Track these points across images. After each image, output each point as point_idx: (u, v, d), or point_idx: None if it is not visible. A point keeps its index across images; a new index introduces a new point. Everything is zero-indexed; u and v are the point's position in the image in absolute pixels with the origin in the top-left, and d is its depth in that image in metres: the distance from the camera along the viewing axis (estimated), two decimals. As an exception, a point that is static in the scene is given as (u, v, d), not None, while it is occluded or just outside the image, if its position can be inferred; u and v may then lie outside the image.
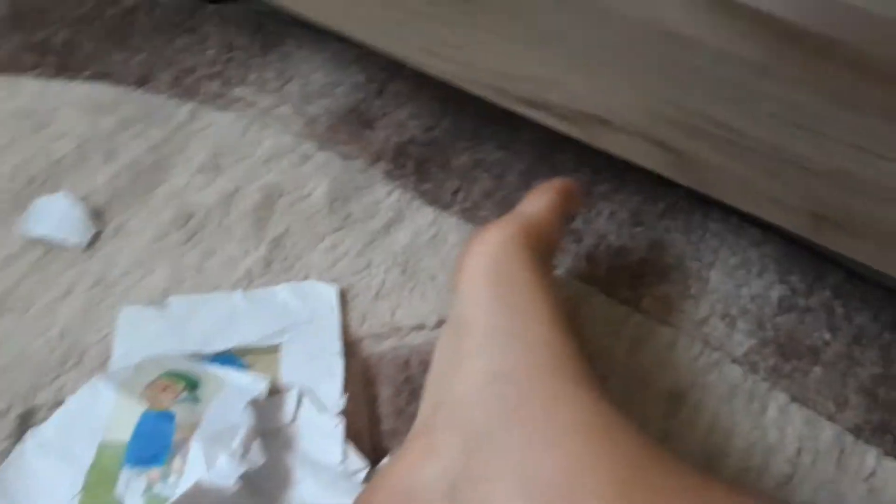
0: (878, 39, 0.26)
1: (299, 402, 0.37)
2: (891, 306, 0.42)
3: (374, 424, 0.37)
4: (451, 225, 0.45)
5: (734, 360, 0.40)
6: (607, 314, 0.41)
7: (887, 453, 0.37)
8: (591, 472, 0.25)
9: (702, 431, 0.38)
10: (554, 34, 0.34)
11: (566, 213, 0.38)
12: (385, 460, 0.36)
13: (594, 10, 0.32)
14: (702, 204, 0.46)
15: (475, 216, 0.45)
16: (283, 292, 0.41)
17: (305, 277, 0.42)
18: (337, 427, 0.36)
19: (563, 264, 0.43)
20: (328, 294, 0.41)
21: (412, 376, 0.39)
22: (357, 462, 0.35)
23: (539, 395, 0.28)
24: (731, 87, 0.31)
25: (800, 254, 0.44)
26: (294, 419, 0.36)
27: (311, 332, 0.40)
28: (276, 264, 0.43)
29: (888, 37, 0.26)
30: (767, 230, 0.44)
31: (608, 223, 0.45)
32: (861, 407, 0.38)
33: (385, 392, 0.38)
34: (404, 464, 0.29)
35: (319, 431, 0.36)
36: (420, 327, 0.41)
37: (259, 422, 0.35)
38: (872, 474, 0.36)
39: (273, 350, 0.39)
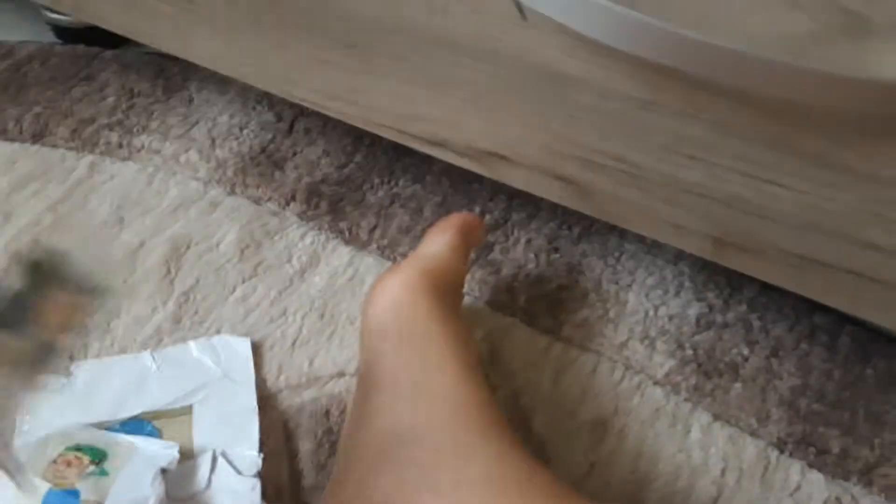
0: (755, 75, 0.26)
1: (213, 465, 0.35)
2: (806, 315, 0.42)
3: (294, 481, 0.36)
4: (368, 264, 0.44)
5: (656, 382, 0.40)
6: (529, 345, 0.41)
7: (811, 465, 0.37)
8: None
9: (628, 458, 0.37)
10: (444, 76, 0.34)
11: (468, 248, 0.38)
12: (306, 520, 0.35)
13: (482, 52, 0.32)
14: (616, 227, 0.45)
15: (394, 252, 0.45)
16: (194, 349, 0.40)
17: (217, 331, 0.41)
18: (254, 490, 0.34)
19: (483, 297, 0.43)
20: (241, 348, 0.40)
21: (333, 427, 0.38)
22: None
23: (448, 456, 0.27)
24: (620, 121, 0.31)
25: (715, 269, 0.44)
26: (208, 485, 0.35)
27: (225, 389, 0.38)
28: (187, 319, 0.41)
29: (765, 73, 0.26)
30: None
31: (525, 251, 0.44)
32: (783, 420, 0.38)
33: (305, 446, 0.37)
34: None
35: (235, 495, 0.34)
36: (340, 375, 0.40)
37: (171, 490, 0.33)
38: (798, 489, 0.36)
39: (185, 411, 0.38)
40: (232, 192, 0.47)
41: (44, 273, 0.24)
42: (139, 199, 0.46)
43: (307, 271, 0.44)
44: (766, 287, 0.44)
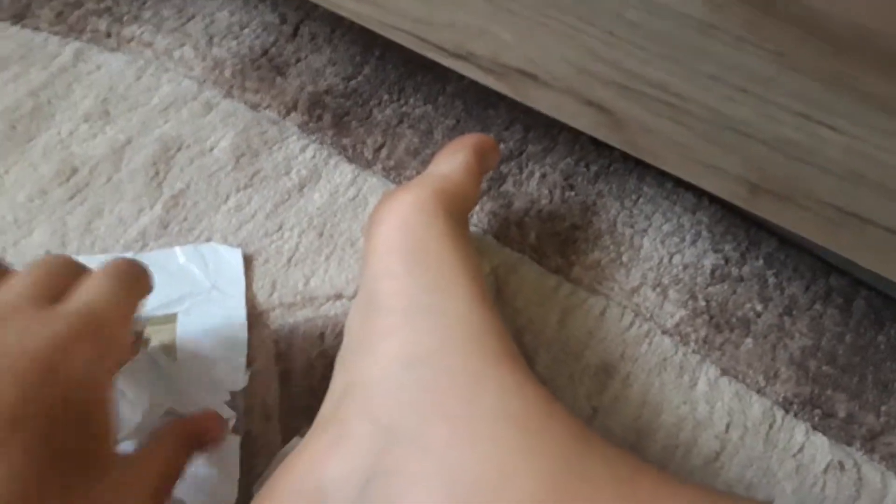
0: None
1: (157, 360, 0.33)
2: (822, 276, 0.41)
3: (284, 402, 0.34)
4: (372, 185, 0.41)
5: (665, 332, 0.38)
6: (537, 283, 0.39)
7: (815, 428, 0.36)
8: (521, 466, 0.23)
9: (632, 406, 0.36)
10: (481, -26, 0.31)
11: (483, 172, 0.35)
12: (293, 441, 0.33)
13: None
14: (636, 167, 0.43)
15: (400, 176, 0.42)
16: (181, 256, 0.37)
17: (207, 240, 0.38)
18: (199, 381, 0.33)
19: (492, 230, 0.41)
20: (233, 259, 0.37)
21: (327, 350, 0.36)
22: (224, 411, 0.32)
23: (458, 382, 0.25)
24: (669, 43, 0.28)
25: (734, 221, 0.42)
26: (157, 379, 0.33)
27: (213, 300, 0.36)
28: (174, 225, 0.39)
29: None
30: (702, 196, 0.43)
31: (539, 186, 0.42)
32: (791, 380, 0.37)
33: (297, 367, 0.35)
34: (310, 457, 0.26)
35: (179, 386, 0.32)
36: (337, 297, 0.38)
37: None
38: (801, 450, 0.35)
39: (170, 320, 0.35)
40: (228, 95, 0.43)
41: None
42: (127, 93, 0.43)
43: (306, 186, 0.41)
44: (784, 243, 0.42)
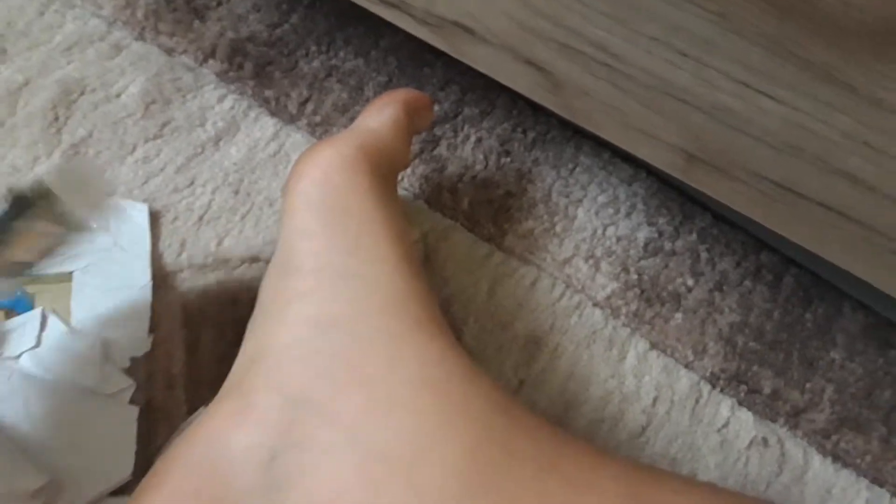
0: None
1: (43, 323, 0.31)
2: (753, 253, 0.40)
3: (191, 371, 0.32)
4: (295, 141, 0.39)
5: (596, 304, 0.37)
6: (468, 251, 0.37)
7: (741, 403, 0.36)
8: (439, 437, 0.21)
9: (560, 378, 0.35)
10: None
11: (414, 131, 0.33)
12: (198, 412, 0.30)
13: None
14: (574, 136, 0.42)
15: (326, 132, 0.39)
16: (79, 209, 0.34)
17: (110, 194, 0.35)
18: (92, 348, 0.30)
19: (423, 194, 0.39)
20: (137, 215, 0.34)
21: (241, 317, 0.33)
22: (120, 380, 0.30)
23: (376, 347, 0.23)
24: (611, 2, 0.27)
25: (669, 194, 0.41)
26: (38, 343, 0.30)
27: (114, 259, 0.33)
28: (74, 177, 0.35)
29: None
30: (639, 167, 0.42)
31: (475, 151, 0.40)
32: (719, 355, 0.37)
33: (207, 334, 0.33)
34: (212, 428, 0.23)
35: (70, 354, 0.30)
36: (253, 260, 0.35)
37: None
38: (725, 425, 0.35)
39: (65, 279, 0.32)
40: (140, 38, 0.40)
41: (28, 203, 0.26)
42: (27, 29, 0.39)
43: (223, 140, 0.38)
44: (717, 218, 0.41)
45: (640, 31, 0.28)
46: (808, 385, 0.37)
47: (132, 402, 0.30)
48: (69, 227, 0.27)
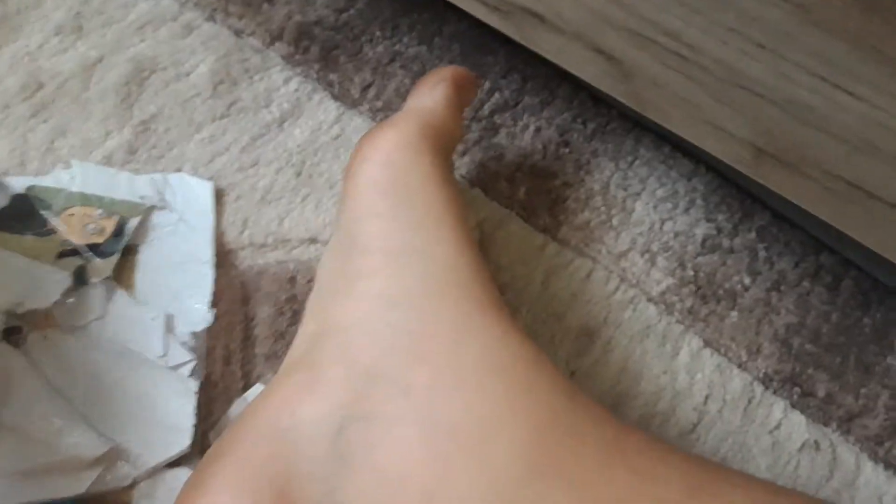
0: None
1: (110, 294, 0.31)
2: (813, 253, 0.40)
3: (247, 347, 0.32)
4: (357, 125, 0.39)
5: (650, 299, 0.37)
6: (523, 241, 0.37)
7: (793, 406, 0.35)
8: (506, 417, 0.21)
9: (611, 372, 0.35)
10: None
11: (463, 107, 0.33)
12: (254, 388, 0.31)
13: None
14: (634, 128, 0.42)
15: (387, 118, 0.40)
16: (147, 184, 0.35)
17: (178, 170, 0.36)
18: (155, 319, 0.31)
19: (481, 183, 0.39)
20: (202, 191, 0.35)
21: (298, 296, 0.34)
22: (182, 354, 0.30)
23: (444, 326, 0.23)
24: (692, -13, 0.27)
25: (729, 191, 0.41)
26: (103, 314, 0.31)
27: (178, 234, 0.34)
28: (143, 152, 0.36)
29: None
30: (699, 162, 0.41)
31: (534, 140, 0.40)
32: (773, 357, 0.36)
33: (264, 311, 0.33)
34: (280, 399, 0.24)
35: (134, 324, 0.31)
36: (312, 241, 0.36)
37: (61, 319, 0.30)
38: (777, 427, 0.35)
39: (130, 251, 0.33)
40: (211, 19, 0.41)
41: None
42: (102, 7, 0.40)
43: (287, 121, 0.38)
44: (777, 217, 0.41)
45: (716, 21, 0.27)
46: (862, 390, 0.36)
47: (192, 375, 0.31)
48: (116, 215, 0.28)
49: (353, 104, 0.40)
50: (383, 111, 0.40)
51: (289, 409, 0.23)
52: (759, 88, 0.29)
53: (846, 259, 0.40)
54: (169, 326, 0.31)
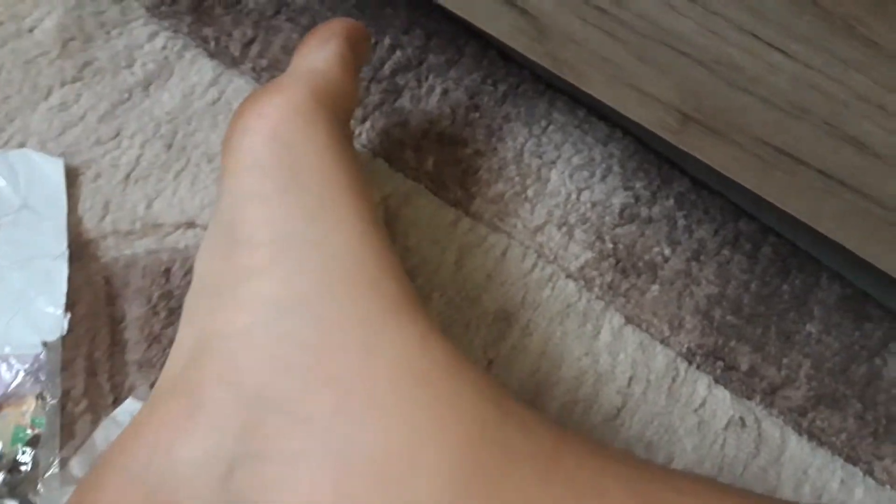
0: None
1: None
2: (731, 220, 0.38)
3: (116, 354, 0.28)
4: (238, 87, 0.34)
5: (569, 276, 0.35)
6: (433, 217, 0.34)
7: (717, 381, 0.34)
8: (429, 441, 0.18)
9: (531, 358, 0.32)
10: None
11: (359, 67, 0.29)
12: (126, 404, 0.26)
13: None
14: (547, 90, 0.39)
15: (272, 79, 0.35)
16: (-20, 166, 0.29)
17: (20, 146, 0.30)
18: None
19: (384, 152, 0.35)
20: (51, 171, 0.29)
21: (174, 291, 0.29)
22: None
23: (350, 334, 0.20)
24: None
25: (646, 156, 0.39)
26: None
27: (23, 223, 0.28)
28: (-27, 125, 0.30)
29: None
30: (615, 126, 0.39)
31: (441, 104, 0.36)
32: (696, 330, 0.35)
33: (134, 311, 0.29)
34: (152, 434, 0.20)
35: None
36: (189, 225, 0.31)
37: None
38: (703, 405, 0.33)
39: (-38, 248, 0.27)
40: (54, -38, 0.34)
41: None
42: None
43: (153, 84, 0.33)
44: (695, 183, 0.39)
45: (640, -28, 0.24)
46: (784, 361, 0.35)
47: (39, 398, 0.25)
48: None
49: (233, 63, 0.35)
50: (268, 70, 0.35)
51: (166, 446, 0.19)
52: (685, 47, 0.26)
53: (765, 225, 0.39)
54: (18, 336, 0.26)
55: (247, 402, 0.19)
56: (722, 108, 0.27)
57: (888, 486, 0.34)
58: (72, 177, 0.30)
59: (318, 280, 0.21)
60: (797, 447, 0.33)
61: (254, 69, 0.35)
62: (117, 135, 0.31)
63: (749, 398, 0.34)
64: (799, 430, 0.34)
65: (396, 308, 0.21)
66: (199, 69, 0.34)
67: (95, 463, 0.21)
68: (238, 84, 0.34)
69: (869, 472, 0.34)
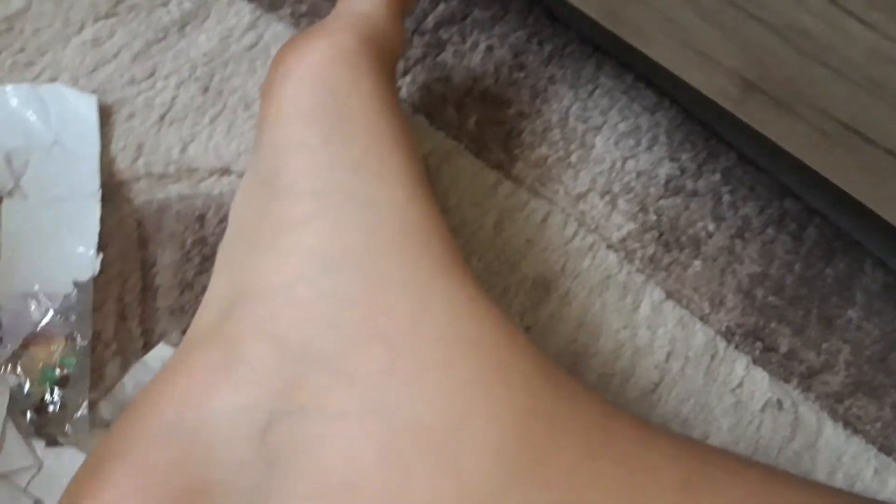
0: None
1: None
2: (777, 199, 0.37)
3: (147, 300, 0.27)
4: (277, 32, 0.33)
5: (610, 246, 0.34)
6: (474, 179, 0.33)
7: (755, 362, 0.33)
8: (478, 409, 0.17)
9: (569, 327, 0.31)
10: None
11: (405, 15, 0.28)
12: (157, 349, 0.26)
13: None
14: (595, 52, 0.37)
15: (312, 24, 0.33)
16: (13, 97, 0.28)
17: (52, 80, 0.29)
18: None
19: (425, 109, 0.33)
20: (85, 108, 0.28)
21: (207, 238, 0.28)
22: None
23: (399, 295, 0.19)
24: None
25: (693, 128, 0.37)
26: None
27: (55, 159, 0.27)
28: (6, 56, 0.29)
29: None
30: (663, 95, 0.37)
31: (484, 61, 0.35)
32: (737, 309, 0.34)
33: (167, 256, 0.28)
34: (189, 384, 0.19)
35: None
36: (224, 171, 0.30)
37: None
38: (740, 385, 0.32)
39: (-9, 183, 0.26)
40: None
41: None
42: None
43: (190, 24, 0.32)
44: (742, 158, 0.38)
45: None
46: (824, 345, 0.34)
47: (69, 338, 0.25)
48: None
49: (272, 6, 0.33)
50: (308, 16, 0.33)
51: (201, 397, 0.18)
52: (756, 9, 0.24)
53: (811, 206, 0.38)
54: (49, 275, 0.25)
55: (289, 357, 0.18)
56: (789, 78, 0.26)
57: (921, 478, 0.33)
58: (104, 115, 0.29)
59: (365, 236, 0.20)
60: (833, 433, 0.32)
61: (293, 14, 0.33)
62: (152, 74, 0.30)
63: (787, 381, 0.33)
64: (835, 417, 0.33)
65: (445, 269, 0.20)
66: (237, 11, 0.32)
67: (125, 409, 0.21)
68: (277, 29, 0.33)
69: (903, 463, 0.33)
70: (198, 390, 0.18)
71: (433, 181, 0.32)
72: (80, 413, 0.24)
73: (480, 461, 0.16)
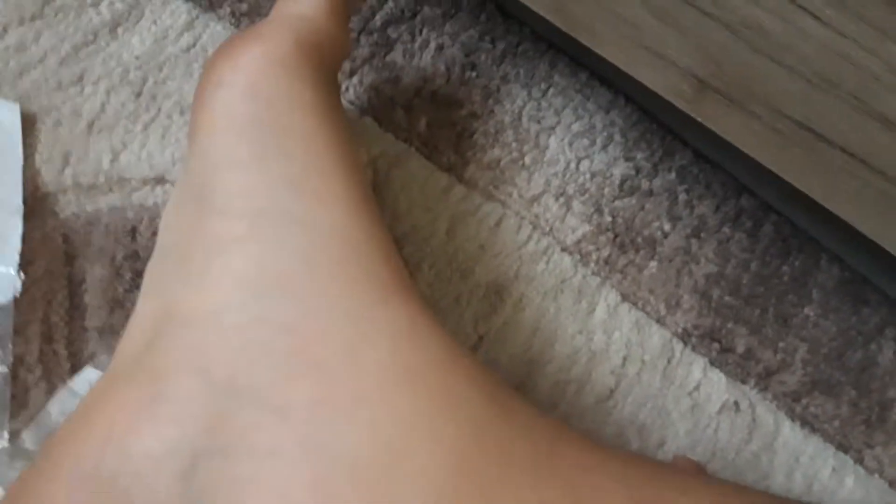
0: None
1: None
2: (733, 196, 0.37)
3: (74, 319, 0.25)
4: (216, 34, 0.31)
5: (564, 249, 0.33)
6: (424, 183, 0.32)
7: (712, 363, 0.33)
8: (418, 441, 0.16)
9: (523, 334, 0.31)
10: None
11: (350, 15, 0.27)
12: (84, 372, 0.24)
13: None
14: (548, 50, 0.36)
15: (252, 25, 0.32)
16: (-76, 107, 0.26)
17: (-31, 88, 0.27)
18: None
19: (373, 111, 0.32)
20: (6, 116, 0.27)
21: (140, 251, 0.27)
22: None
23: (335, 322, 0.18)
24: None
25: (649, 126, 0.37)
26: None
27: (-27, 175, 0.26)
28: (-84, 61, 0.27)
29: None
30: (617, 93, 0.37)
31: (435, 60, 0.34)
32: (693, 310, 0.33)
33: (96, 272, 0.26)
34: (109, 424, 0.17)
35: None
36: (158, 181, 0.28)
37: None
38: (697, 388, 0.32)
39: None
40: None
41: None
42: None
43: (122, 26, 0.30)
44: (698, 157, 0.37)
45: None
46: (781, 344, 0.34)
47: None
48: None
49: (210, 6, 0.32)
50: (249, 16, 0.32)
51: (121, 438, 0.17)
52: (710, 6, 0.24)
53: (766, 203, 0.37)
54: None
55: (216, 391, 0.17)
56: (743, 76, 0.25)
57: (877, 475, 0.33)
58: (28, 124, 0.27)
59: (302, 260, 0.19)
60: (790, 433, 0.32)
61: (233, 14, 0.32)
62: (80, 80, 0.29)
63: (744, 382, 0.33)
64: (792, 416, 0.33)
65: (386, 294, 0.19)
66: (172, 11, 0.31)
67: (42, 448, 0.19)
68: (215, 30, 0.31)
69: (859, 461, 0.33)
70: (117, 431, 0.17)
71: (382, 186, 0.31)
72: None
73: (420, 498, 0.15)
